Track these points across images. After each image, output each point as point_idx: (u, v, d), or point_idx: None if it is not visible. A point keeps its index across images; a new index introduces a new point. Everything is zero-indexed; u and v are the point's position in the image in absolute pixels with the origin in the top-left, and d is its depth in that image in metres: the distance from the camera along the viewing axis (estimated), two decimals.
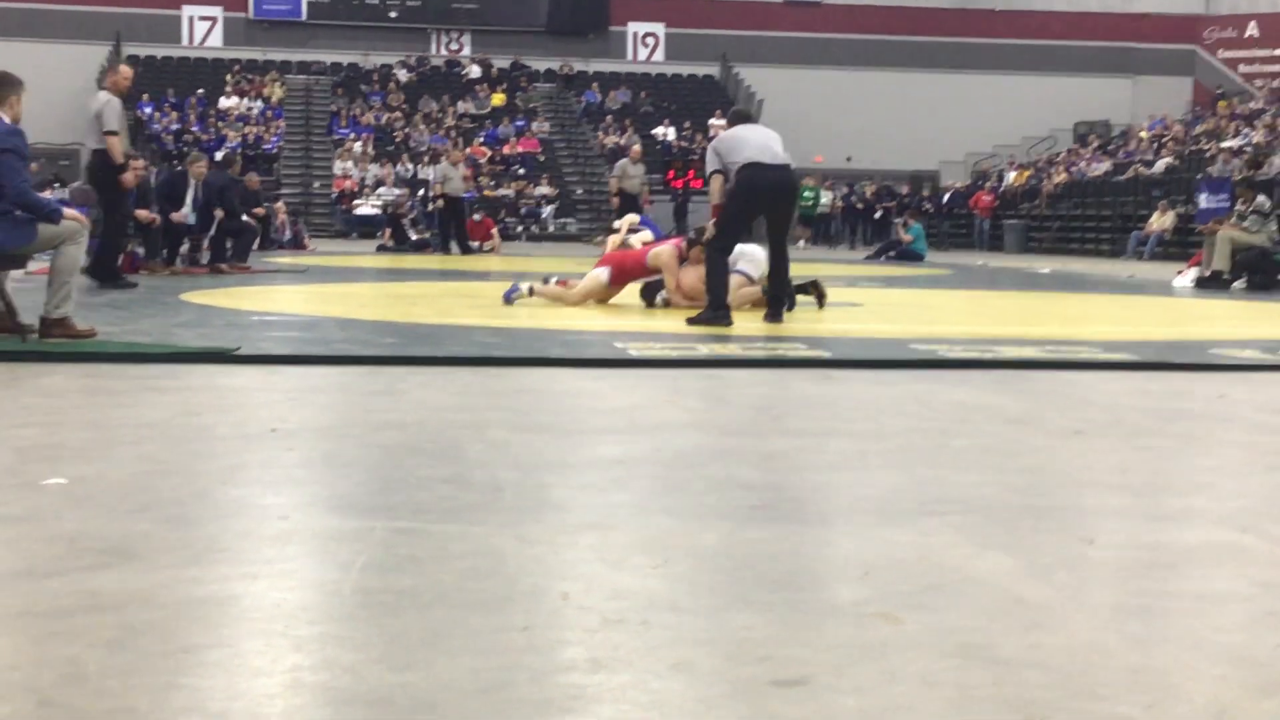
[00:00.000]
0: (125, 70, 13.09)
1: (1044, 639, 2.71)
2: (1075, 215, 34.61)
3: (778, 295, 10.18)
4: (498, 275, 17.52)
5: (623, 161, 23.70)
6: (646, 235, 13.98)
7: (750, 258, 10.80)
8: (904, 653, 2.61)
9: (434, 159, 37.62)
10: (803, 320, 10.27)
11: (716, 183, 10.15)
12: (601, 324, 9.80)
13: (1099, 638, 2.73)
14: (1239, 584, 3.18)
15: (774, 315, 10.05)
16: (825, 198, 37.30)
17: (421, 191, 34.19)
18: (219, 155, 23.66)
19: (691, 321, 9.62)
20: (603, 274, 11.30)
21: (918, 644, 2.66)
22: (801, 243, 35.19)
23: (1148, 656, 2.62)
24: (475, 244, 25.62)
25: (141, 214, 14.69)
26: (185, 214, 15.82)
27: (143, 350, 7.28)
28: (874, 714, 2.29)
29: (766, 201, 10.00)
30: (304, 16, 42.77)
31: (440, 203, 24.80)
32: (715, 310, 9.68)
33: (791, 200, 10.40)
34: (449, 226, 24.94)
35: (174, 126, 37.52)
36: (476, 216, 27.10)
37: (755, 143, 9.95)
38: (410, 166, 37.57)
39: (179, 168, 17.21)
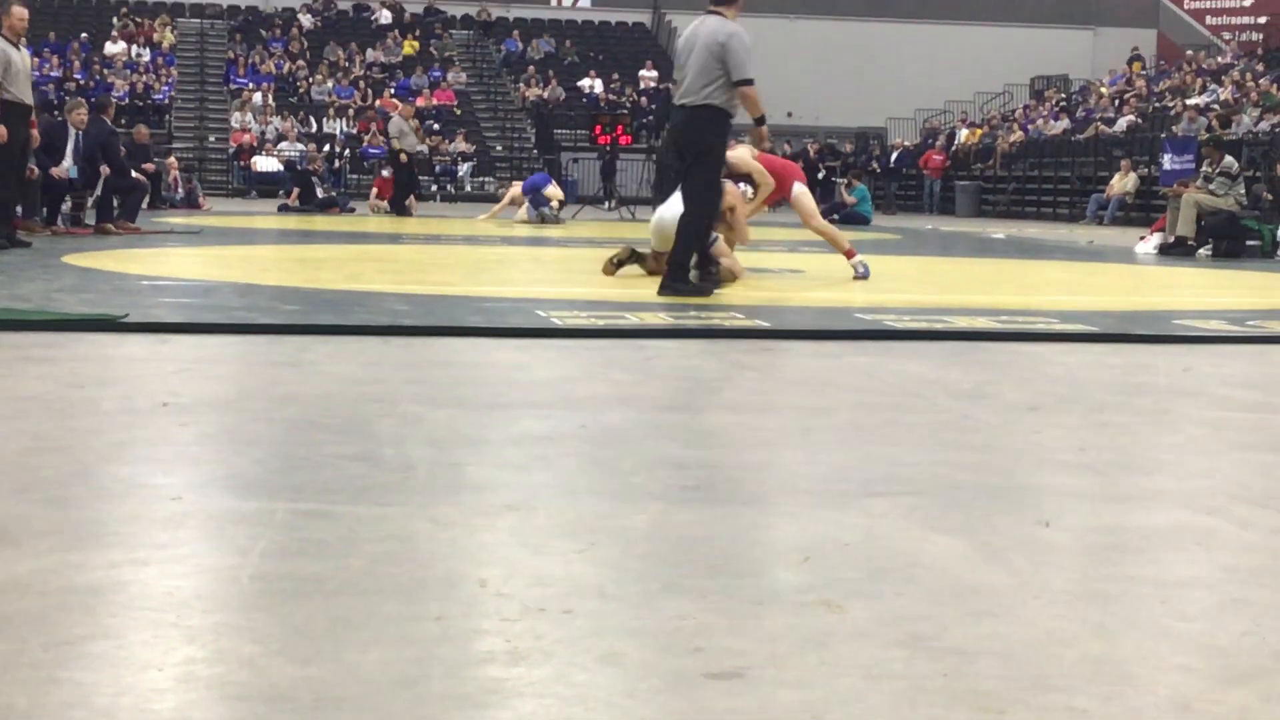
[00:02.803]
0: (18, 11, 12.45)
1: (998, 628, 2.74)
2: (1032, 176, 34.92)
3: (677, 260, 9.45)
4: (409, 238, 17.44)
5: None
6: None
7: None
8: (848, 643, 2.62)
9: (340, 112, 37.42)
10: (739, 288, 10.29)
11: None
12: (524, 290, 9.77)
13: (1056, 626, 2.76)
14: (1204, 569, 3.22)
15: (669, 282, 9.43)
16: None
17: (326, 147, 33.96)
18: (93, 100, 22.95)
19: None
20: None
21: (863, 633, 2.68)
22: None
23: (1108, 646, 2.65)
24: (383, 203, 25.92)
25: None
26: (65, 168, 15.61)
27: (21, 317, 7.19)
28: (815, 708, 2.30)
29: (674, 147, 9.67)
30: None
31: (403, 158, 25.25)
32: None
33: (687, 144, 9.50)
34: (406, 185, 25.50)
35: (55, 74, 37.02)
36: (385, 173, 27.10)
37: (688, 70, 9.37)
38: (314, 121, 37.30)
39: (59, 118, 16.88)
